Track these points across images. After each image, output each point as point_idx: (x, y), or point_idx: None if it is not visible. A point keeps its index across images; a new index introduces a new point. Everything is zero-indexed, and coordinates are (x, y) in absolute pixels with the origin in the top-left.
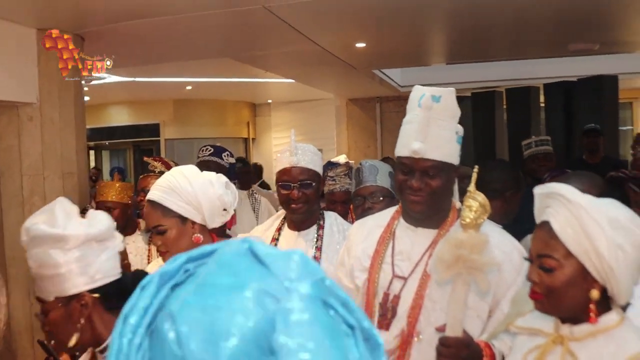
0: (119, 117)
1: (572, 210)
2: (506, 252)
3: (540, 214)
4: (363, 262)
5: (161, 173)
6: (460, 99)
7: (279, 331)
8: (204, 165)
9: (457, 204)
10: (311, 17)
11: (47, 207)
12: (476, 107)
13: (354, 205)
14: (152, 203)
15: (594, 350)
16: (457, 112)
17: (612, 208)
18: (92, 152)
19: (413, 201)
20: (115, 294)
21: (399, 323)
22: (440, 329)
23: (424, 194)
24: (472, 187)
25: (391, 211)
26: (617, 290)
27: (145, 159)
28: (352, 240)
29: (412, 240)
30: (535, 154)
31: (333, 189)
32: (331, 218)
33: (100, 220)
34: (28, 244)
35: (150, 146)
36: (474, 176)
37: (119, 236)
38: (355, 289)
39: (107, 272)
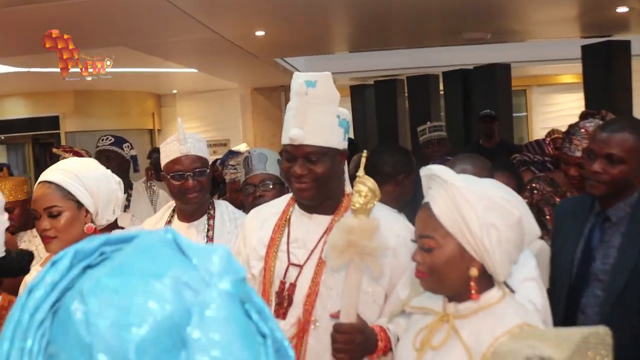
0: (15, 110)
1: (447, 191)
2: (401, 236)
3: (425, 195)
4: (259, 251)
5: None
6: (363, 87)
7: (194, 324)
8: (103, 155)
9: (349, 189)
10: (207, 4)
11: None
12: (379, 95)
13: (244, 194)
14: (51, 184)
15: (475, 326)
16: (336, 96)
17: (489, 188)
18: None
19: (299, 188)
20: None
21: (295, 311)
22: (335, 316)
23: (308, 180)
24: (361, 171)
25: (286, 198)
26: (494, 268)
27: (54, 150)
28: (247, 230)
29: (307, 227)
30: (430, 140)
31: (235, 177)
32: (222, 207)
33: None
34: None
35: (50, 139)
36: (363, 161)
37: (4, 215)
38: (252, 278)
39: None
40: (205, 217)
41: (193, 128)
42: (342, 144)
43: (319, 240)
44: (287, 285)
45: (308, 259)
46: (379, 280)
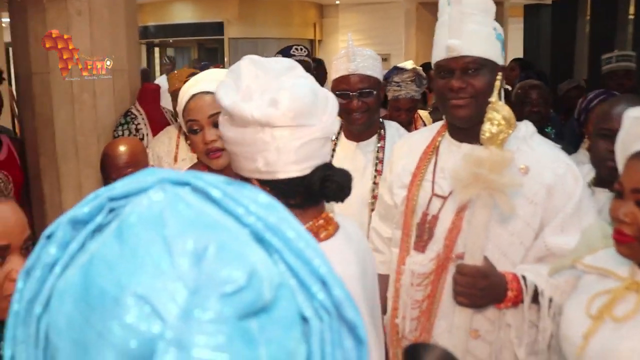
0: (183, 14)
1: None
2: (559, 175)
3: (634, 142)
4: (403, 179)
5: None
6: (539, 7)
7: None
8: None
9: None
10: None
11: None
12: (556, 16)
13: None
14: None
15: None
16: (492, 7)
17: None
18: (156, 50)
19: (455, 105)
20: None
21: (436, 245)
22: (459, 256)
23: (466, 95)
24: (494, 97)
25: (437, 126)
26: None
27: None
28: (395, 156)
29: (456, 157)
30: (615, 70)
31: (398, 95)
32: (392, 128)
33: None
34: None
35: (215, 45)
36: (497, 85)
37: None
38: (394, 206)
39: None
40: (374, 138)
41: (353, 41)
42: (500, 59)
43: None
44: (429, 217)
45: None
46: (529, 220)
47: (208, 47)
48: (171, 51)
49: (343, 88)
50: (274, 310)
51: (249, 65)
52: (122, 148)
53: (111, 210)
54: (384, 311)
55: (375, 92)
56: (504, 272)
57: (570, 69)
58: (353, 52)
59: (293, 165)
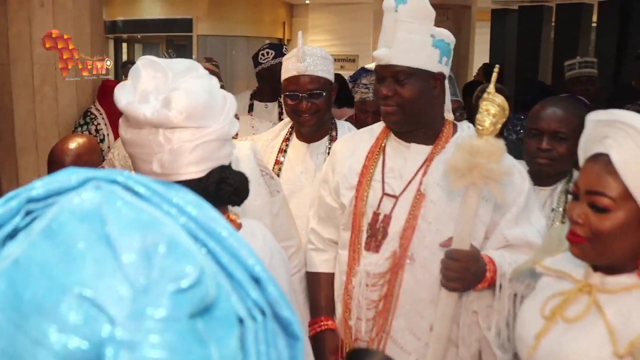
0: (152, 10)
1: (638, 143)
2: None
3: (592, 144)
4: (350, 180)
5: None
6: (505, 12)
7: None
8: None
9: (450, 116)
10: None
11: None
12: (522, 22)
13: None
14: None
15: (625, 306)
16: (430, 14)
17: None
18: (124, 45)
19: (385, 111)
20: None
21: (390, 245)
22: (445, 244)
23: (393, 104)
24: (491, 87)
25: (381, 125)
26: None
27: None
28: (337, 156)
29: (404, 157)
30: (578, 77)
31: (366, 97)
32: (344, 129)
33: None
34: None
35: (183, 42)
36: (494, 76)
37: None
38: (339, 207)
39: None
40: (326, 138)
41: (322, 41)
42: (437, 67)
43: (417, 172)
44: (381, 217)
45: (404, 190)
46: (481, 216)
47: (177, 43)
48: (139, 47)
49: (292, 89)
50: (215, 310)
51: (147, 66)
52: (69, 146)
53: (28, 213)
54: (333, 311)
55: (324, 94)
56: (481, 254)
57: (535, 74)
58: (303, 52)
59: (187, 167)
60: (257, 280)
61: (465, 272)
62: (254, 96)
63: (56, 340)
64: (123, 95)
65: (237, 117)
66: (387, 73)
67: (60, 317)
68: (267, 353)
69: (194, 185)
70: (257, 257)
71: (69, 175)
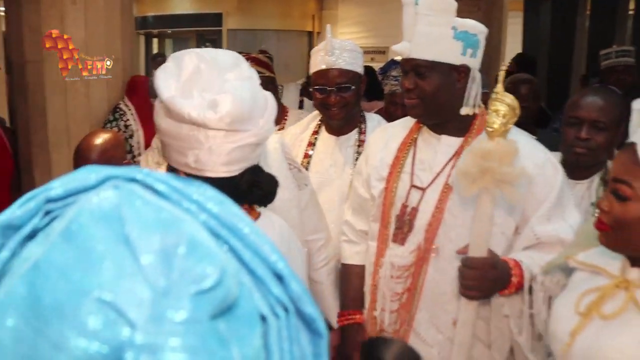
0: (182, 5)
1: None
2: (538, 164)
3: (632, 134)
4: (381, 171)
5: None
6: (539, 1)
7: None
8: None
9: (478, 109)
10: None
11: None
12: (556, 11)
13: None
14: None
15: None
16: (451, 5)
17: None
18: (155, 41)
19: (408, 104)
20: None
21: (416, 237)
22: (462, 252)
23: (414, 97)
24: (499, 87)
25: (412, 119)
26: None
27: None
28: (371, 148)
29: (435, 149)
30: (614, 66)
31: (395, 89)
32: (374, 121)
33: None
34: None
35: (213, 36)
36: (502, 74)
37: None
38: (370, 199)
39: None
40: (355, 131)
41: (352, 33)
42: (460, 59)
43: (447, 164)
44: (408, 209)
45: (432, 182)
46: (511, 211)
47: (207, 38)
48: (169, 42)
49: (321, 82)
50: (237, 309)
51: (192, 55)
52: (94, 142)
53: (47, 213)
54: (362, 304)
55: (353, 87)
56: (505, 258)
57: (570, 64)
58: (331, 46)
59: (222, 167)
60: (279, 277)
61: (483, 279)
62: (303, 92)
63: (76, 345)
64: (165, 85)
65: (286, 109)
66: (409, 66)
67: (80, 321)
68: (291, 350)
69: (225, 182)
70: (279, 254)
71: (88, 174)
